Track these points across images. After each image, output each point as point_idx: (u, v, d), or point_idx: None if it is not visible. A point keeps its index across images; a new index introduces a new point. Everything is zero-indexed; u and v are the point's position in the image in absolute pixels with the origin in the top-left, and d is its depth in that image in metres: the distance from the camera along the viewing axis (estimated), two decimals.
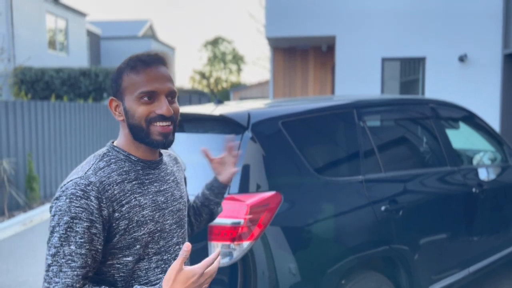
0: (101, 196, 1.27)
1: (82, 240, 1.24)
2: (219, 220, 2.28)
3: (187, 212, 1.58)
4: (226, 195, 2.24)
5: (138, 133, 1.35)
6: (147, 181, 1.39)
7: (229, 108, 2.77)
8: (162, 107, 1.34)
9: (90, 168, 1.32)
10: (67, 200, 1.25)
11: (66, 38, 19.01)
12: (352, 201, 2.68)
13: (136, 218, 1.33)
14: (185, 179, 1.67)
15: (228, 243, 2.27)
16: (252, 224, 2.28)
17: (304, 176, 2.54)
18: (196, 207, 1.78)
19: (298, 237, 2.43)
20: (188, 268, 1.26)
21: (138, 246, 1.34)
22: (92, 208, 1.25)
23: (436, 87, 9.84)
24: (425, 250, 3.02)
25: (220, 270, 2.25)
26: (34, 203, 7.76)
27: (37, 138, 8.08)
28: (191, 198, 1.82)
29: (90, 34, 23.03)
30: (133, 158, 1.39)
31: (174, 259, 1.45)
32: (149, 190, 1.39)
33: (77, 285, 1.23)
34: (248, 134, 2.49)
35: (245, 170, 2.41)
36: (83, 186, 1.26)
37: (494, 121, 9.54)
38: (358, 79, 10.10)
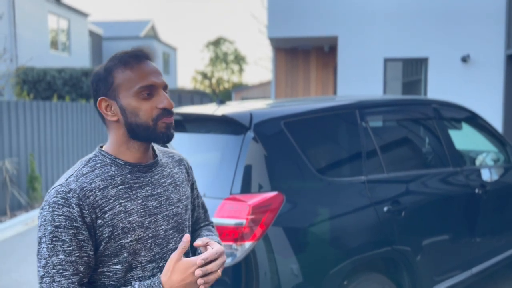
0: (82, 202, 1.24)
1: (70, 248, 1.21)
2: (221, 221, 2.27)
3: (190, 215, 1.52)
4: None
5: (142, 131, 1.31)
6: (136, 185, 1.34)
7: (231, 108, 2.77)
8: (163, 100, 1.32)
9: (72, 174, 1.29)
10: (50, 209, 1.22)
11: (68, 38, 19.03)
12: (355, 202, 2.67)
13: (121, 224, 1.28)
14: (194, 181, 1.61)
15: (230, 243, 2.26)
16: (254, 224, 2.27)
17: (306, 177, 2.53)
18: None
19: (300, 237, 2.42)
20: (187, 258, 1.25)
21: (126, 254, 1.29)
22: (75, 215, 1.22)
23: (439, 87, 9.81)
24: (428, 251, 3.01)
25: (222, 270, 2.24)
26: (36, 203, 7.77)
27: (39, 138, 8.09)
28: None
29: (92, 34, 23.05)
30: (120, 161, 1.33)
31: None
32: (138, 195, 1.33)
33: None
34: (250, 134, 2.48)
35: (247, 170, 2.41)
36: (63, 194, 1.23)
37: (496, 121, 9.52)
38: (360, 80, 10.08)
